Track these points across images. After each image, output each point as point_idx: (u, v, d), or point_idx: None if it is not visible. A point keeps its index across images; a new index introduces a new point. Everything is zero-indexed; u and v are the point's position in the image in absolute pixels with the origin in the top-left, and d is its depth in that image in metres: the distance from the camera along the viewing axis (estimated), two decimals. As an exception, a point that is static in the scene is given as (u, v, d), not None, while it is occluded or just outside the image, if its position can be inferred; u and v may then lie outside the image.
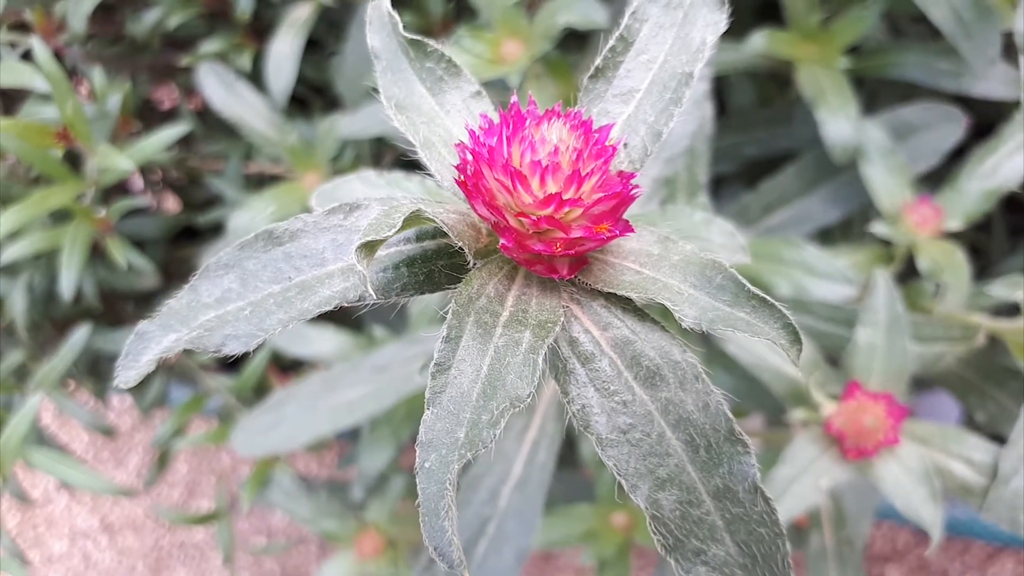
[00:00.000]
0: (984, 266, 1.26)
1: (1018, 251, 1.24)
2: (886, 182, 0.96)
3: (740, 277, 0.37)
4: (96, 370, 1.40)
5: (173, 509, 2.12)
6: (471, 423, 0.33)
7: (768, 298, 0.36)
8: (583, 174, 0.37)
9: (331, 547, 1.25)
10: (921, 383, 1.19)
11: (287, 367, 1.47)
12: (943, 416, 1.41)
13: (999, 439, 0.80)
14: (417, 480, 0.33)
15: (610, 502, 1.09)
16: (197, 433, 1.30)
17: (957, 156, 1.02)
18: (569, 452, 1.11)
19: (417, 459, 0.33)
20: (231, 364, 1.46)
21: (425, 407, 0.34)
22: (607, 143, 0.39)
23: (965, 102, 1.04)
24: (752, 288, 0.36)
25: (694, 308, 0.37)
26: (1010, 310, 0.90)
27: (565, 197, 0.37)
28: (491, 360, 0.35)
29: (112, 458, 2.26)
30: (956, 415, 1.37)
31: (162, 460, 1.39)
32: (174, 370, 1.42)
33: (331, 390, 1.01)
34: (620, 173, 0.40)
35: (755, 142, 1.17)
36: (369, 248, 0.33)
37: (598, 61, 0.45)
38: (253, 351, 0.38)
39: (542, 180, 0.37)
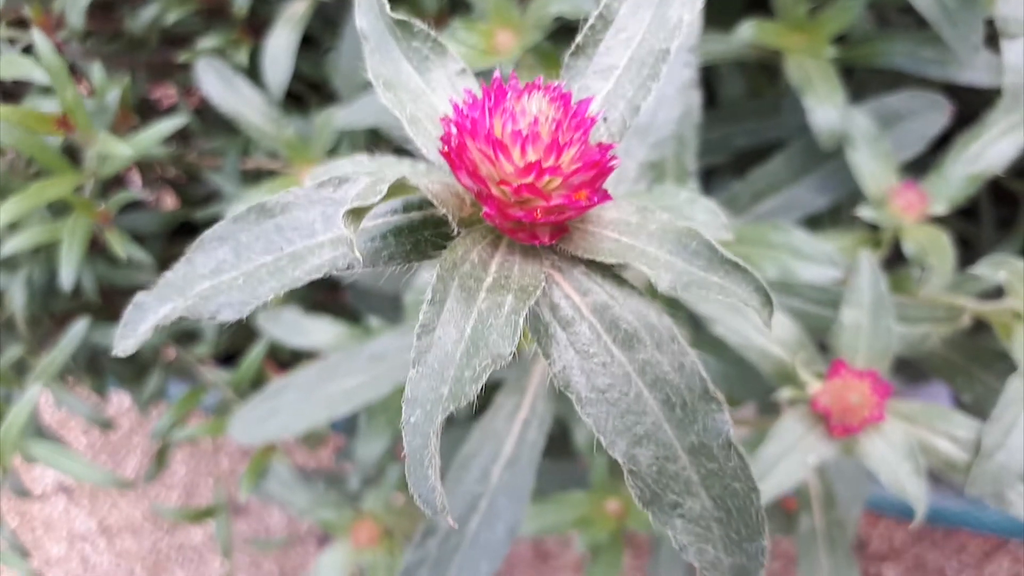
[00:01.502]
0: (973, 257, 1.27)
1: (1006, 242, 1.25)
2: (872, 168, 0.98)
3: (714, 243, 0.38)
4: (95, 366, 1.41)
5: (171, 509, 2.13)
6: (455, 379, 0.35)
7: (740, 262, 0.37)
8: (562, 143, 0.39)
9: (329, 544, 1.27)
10: (916, 374, 1.20)
11: (285, 362, 1.49)
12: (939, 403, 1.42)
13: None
14: (403, 434, 0.34)
15: (604, 489, 1.10)
16: (196, 425, 1.31)
17: (943, 144, 1.04)
18: (563, 441, 1.13)
19: (403, 415, 0.35)
20: (229, 359, 1.48)
21: (411, 366, 0.35)
22: (586, 115, 0.41)
23: (951, 91, 1.06)
24: (725, 253, 0.38)
25: (670, 273, 0.39)
26: (996, 294, 0.92)
27: (545, 165, 0.39)
28: (474, 322, 0.37)
29: (110, 460, 2.28)
30: (949, 405, 1.38)
31: (161, 456, 1.40)
32: (172, 366, 1.43)
33: (328, 379, 1.03)
34: (599, 144, 0.41)
35: (745, 133, 1.19)
36: (356, 214, 0.35)
37: (578, 39, 0.47)
38: (250, 345, 0.39)
39: (522, 149, 0.39)
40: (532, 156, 0.39)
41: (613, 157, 0.41)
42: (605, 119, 0.44)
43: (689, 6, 0.44)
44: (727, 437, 0.39)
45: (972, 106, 1.06)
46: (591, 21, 0.47)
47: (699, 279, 0.38)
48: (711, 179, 1.26)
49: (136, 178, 1.55)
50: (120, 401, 2.09)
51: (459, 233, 0.42)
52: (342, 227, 0.35)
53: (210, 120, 1.39)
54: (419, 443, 0.34)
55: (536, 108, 0.39)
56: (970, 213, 1.25)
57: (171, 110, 1.56)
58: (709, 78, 1.27)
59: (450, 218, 0.40)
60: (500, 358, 0.36)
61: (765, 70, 1.25)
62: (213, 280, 0.40)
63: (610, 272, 0.42)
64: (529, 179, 0.39)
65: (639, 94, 0.44)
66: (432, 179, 0.42)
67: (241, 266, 0.40)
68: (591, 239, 0.42)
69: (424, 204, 0.43)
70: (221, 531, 1.34)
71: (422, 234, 0.42)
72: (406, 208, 0.43)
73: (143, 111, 1.48)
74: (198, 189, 1.54)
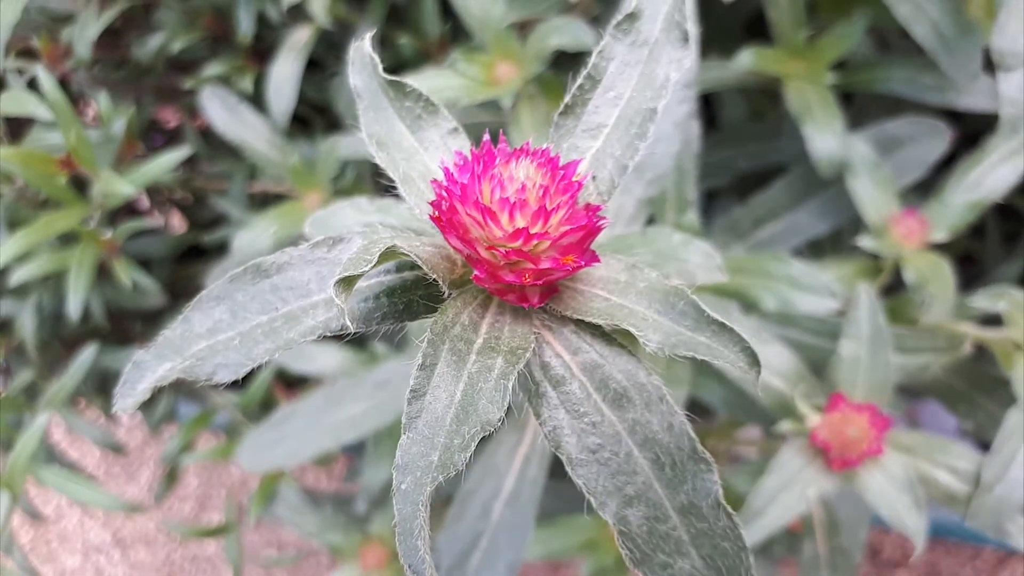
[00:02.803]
0: (978, 274, 1.27)
1: (1012, 258, 1.25)
2: (872, 195, 0.98)
3: (701, 304, 0.39)
4: (105, 388, 1.42)
5: (184, 523, 2.14)
6: (444, 447, 0.36)
7: (727, 323, 0.38)
8: (549, 209, 0.40)
9: (339, 560, 1.27)
10: (920, 393, 1.20)
11: (292, 383, 1.49)
12: (943, 423, 1.42)
13: (988, 447, 0.81)
14: (394, 502, 0.35)
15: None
16: (205, 448, 1.32)
17: (948, 164, 1.04)
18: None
19: (394, 481, 0.35)
20: (237, 381, 1.48)
21: (402, 432, 0.36)
22: (574, 178, 0.41)
23: (954, 113, 1.06)
24: (712, 314, 0.38)
25: (658, 333, 0.39)
26: (998, 318, 0.92)
27: (532, 231, 0.40)
28: (464, 386, 0.38)
29: (123, 473, 2.29)
30: (955, 423, 1.38)
31: (171, 476, 1.41)
32: (182, 387, 1.44)
33: (334, 406, 1.03)
34: (587, 206, 0.42)
35: (747, 156, 1.19)
36: (347, 283, 0.35)
37: (567, 99, 0.47)
38: (258, 368, 0.40)
39: (511, 215, 0.39)
40: (520, 222, 0.39)
41: (602, 218, 0.41)
42: (594, 178, 0.45)
43: (676, 64, 0.45)
44: (716, 497, 0.39)
45: (976, 128, 1.06)
46: (579, 81, 0.47)
47: (687, 340, 0.38)
48: (713, 201, 1.26)
49: (144, 199, 1.56)
50: (131, 415, 2.10)
51: (450, 295, 0.42)
52: (332, 291, 0.35)
53: (216, 143, 1.40)
54: (409, 512, 0.34)
55: (523, 175, 0.40)
56: (976, 229, 1.25)
57: (178, 129, 1.57)
58: (710, 100, 1.27)
59: (440, 282, 0.41)
60: (489, 424, 0.36)
61: (766, 92, 1.25)
62: (210, 340, 0.41)
63: (600, 331, 0.43)
64: (517, 244, 0.40)
65: (627, 153, 0.45)
66: (423, 241, 0.42)
67: (237, 326, 0.41)
68: (580, 299, 0.43)
69: (416, 264, 0.43)
70: (231, 549, 1.34)
71: (414, 294, 0.43)
72: (399, 268, 0.43)
73: (149, 132, 1.49)
74: (205, 212, 1.55)
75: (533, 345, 0.40)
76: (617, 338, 0.42)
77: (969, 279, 0.98)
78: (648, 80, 0.46)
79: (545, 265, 0.40)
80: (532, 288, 0.42)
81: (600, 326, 0.42)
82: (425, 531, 0.34)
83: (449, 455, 0.35)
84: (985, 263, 1.30)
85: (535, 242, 0.40)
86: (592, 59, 0.47)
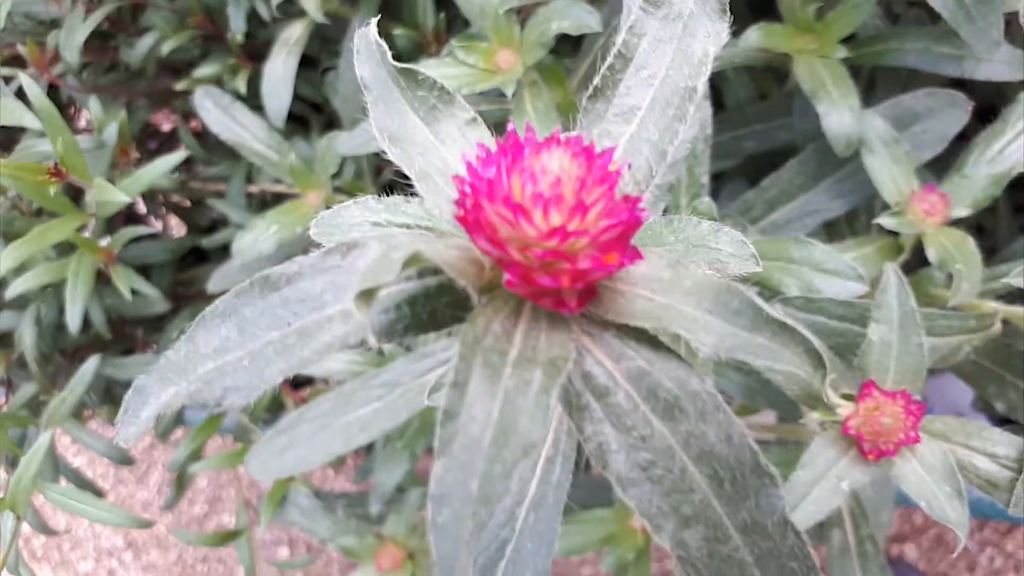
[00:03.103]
0: (991, 247, 1.23)
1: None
2: (891, 172, 0.94)
3: (758, 301, 0.36)
4: (111, 396, 1.40)
5: (195, 524, 2.15)
6: (483, 474, 0.31)
7: (788, 322, 0.34)
8: (587, 203, 0.36)
9: (354, 563, 1.26)
10: (932, 368, 1.17)
11: (300, 383, 1.47)
12: (956, 397, 1.39)
13: (1007, 422, 0.78)
14: (431, 536, 0.31)
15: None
16: (214, 455, 1.30)
17: (957, 140, 1.01)
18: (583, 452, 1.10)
19: (429, 514, 0.32)
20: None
21: (435, 458, 0.32)
22: (610, 168, 0.38)
23: (960, 84, 1.02)
24: (771, 312, 0.35)
25: (711, 335, 0.36)
26: (1020, 294, 0.89)
27: (570, 228, 0.36)
28: (501, 404, 0.34)
29: (133, 476, 2.29)
30: (970, 396, 1.35)
31: (180, 482, 1.39)
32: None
33: (343, 409, 1.01)
34: (625, 197, 0.38)
35: (754, 136, 1.16)
36: (367, 296, 0.32)
37: (596, 81, 0.43)
38: None
39: (545, 212, 0.35)
40: (556, 220, 0.36)
41: (642, 210, 0.38)
42: (630, 166, 0.41)
43: (715, 38, 0.41)
44: (782, 513, 0.36)
45: (985, 99, 1.03)
46: (610, 60, 0.43)
47: (744, 342, 0.35)
48: (720, 184, 1.23)
49: (141, 204, 1.53)
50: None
51: (479, 301, 0.39)
52: (352, 304, 0.32)
53: (211, 145, 1.37)
54: (449, 549, 0.30)
55: (557, 166, 0.36)
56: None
57: (171, 134, 1.54)
58: (715, 81, 1.24)
59: (469, 290, 0.37)
60: (531, 447, 0.32)
61: (771, 71, 1.22)
62: (217, 360, 0.37)
63: (644, 335, 0.39)
64: (553, 243, 0.36)
65: (665, 137, 0.41)
66: (447, 243, 0.39)
67: (247, 344, 0.37)
68: (622, 300, 0.39)
69: (440, 269, 0.40)
70: (243, 555, 1.32)
71: (439, 302, 0.39)
72: (421, 274, 0.40)
73: (145, 136, 1.46)
74: (205, 214, 1.52)
75: (574, 355, 0.36)
76: (664, 342, 0.39)
77: (983, 254, 0.95)
78: (684, 56, 0.42)
79: (584, 265, 0.36)
80: (570, 291, 0.38)
81: (644, 330, 0.39)
82: (468, 573, 0.31)
83: (489, 483, 0.31)
84: (998, 236, 1.27)
85: (572, 240, 0.36)
86: (621, 36, 0.44)
